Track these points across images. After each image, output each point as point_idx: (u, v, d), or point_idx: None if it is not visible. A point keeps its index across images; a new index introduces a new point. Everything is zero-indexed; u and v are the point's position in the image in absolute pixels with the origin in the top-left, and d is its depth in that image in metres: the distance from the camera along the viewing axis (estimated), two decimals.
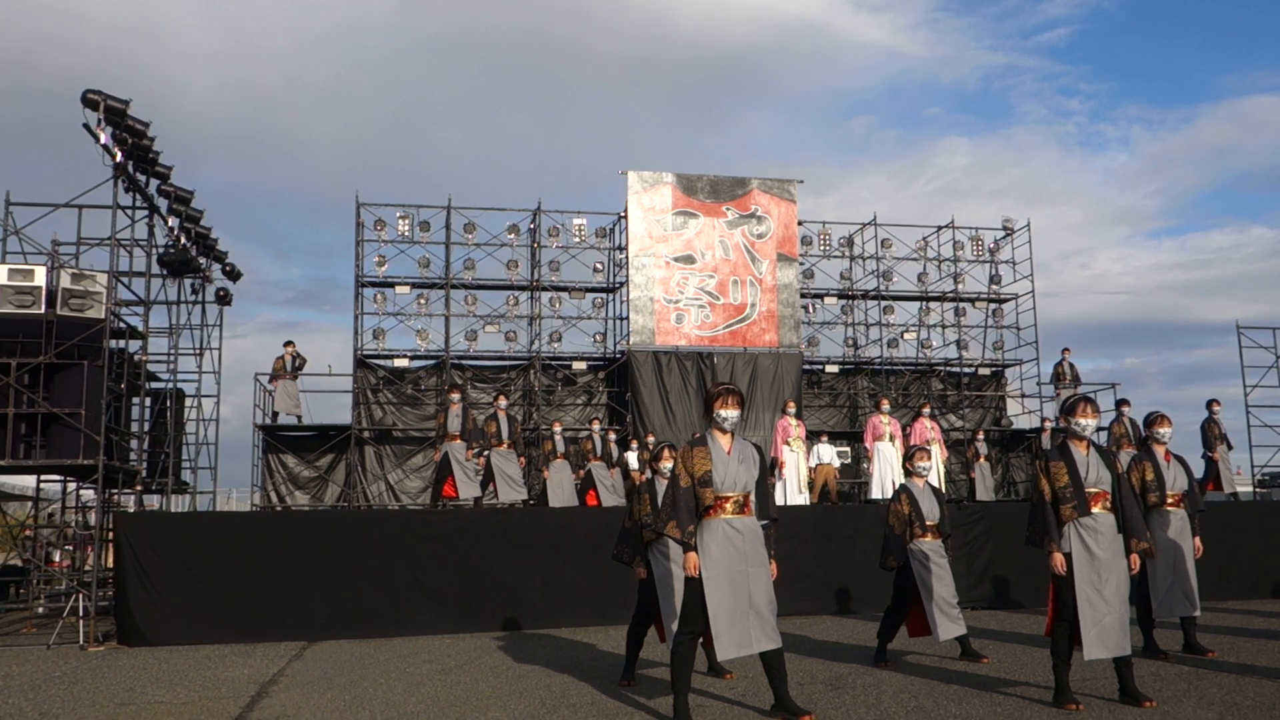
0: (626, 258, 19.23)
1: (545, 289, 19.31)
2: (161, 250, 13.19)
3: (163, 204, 12.76)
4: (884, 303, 20.79)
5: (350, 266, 18.73)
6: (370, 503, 18.11)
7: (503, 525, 10.82)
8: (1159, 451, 7.82)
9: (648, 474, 7.23)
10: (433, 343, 18.74)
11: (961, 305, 21.06)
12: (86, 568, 13.07)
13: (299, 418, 17.50)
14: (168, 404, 13.61)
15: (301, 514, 14.18)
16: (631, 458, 15.82)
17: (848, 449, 19.20)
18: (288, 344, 17.17)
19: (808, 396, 19.92)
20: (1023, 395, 21.23)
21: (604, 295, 19.83)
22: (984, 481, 17.35)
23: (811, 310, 20.62)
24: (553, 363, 19.47)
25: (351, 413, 18.23)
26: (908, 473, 7.87)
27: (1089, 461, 5.90)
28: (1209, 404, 14.62)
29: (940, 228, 21.20)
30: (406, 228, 18.77)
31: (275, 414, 17.44)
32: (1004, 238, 21.29)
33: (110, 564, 10.96)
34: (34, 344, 10.40)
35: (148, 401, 13.20)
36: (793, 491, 13.96)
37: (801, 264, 20.10)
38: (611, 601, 10.02)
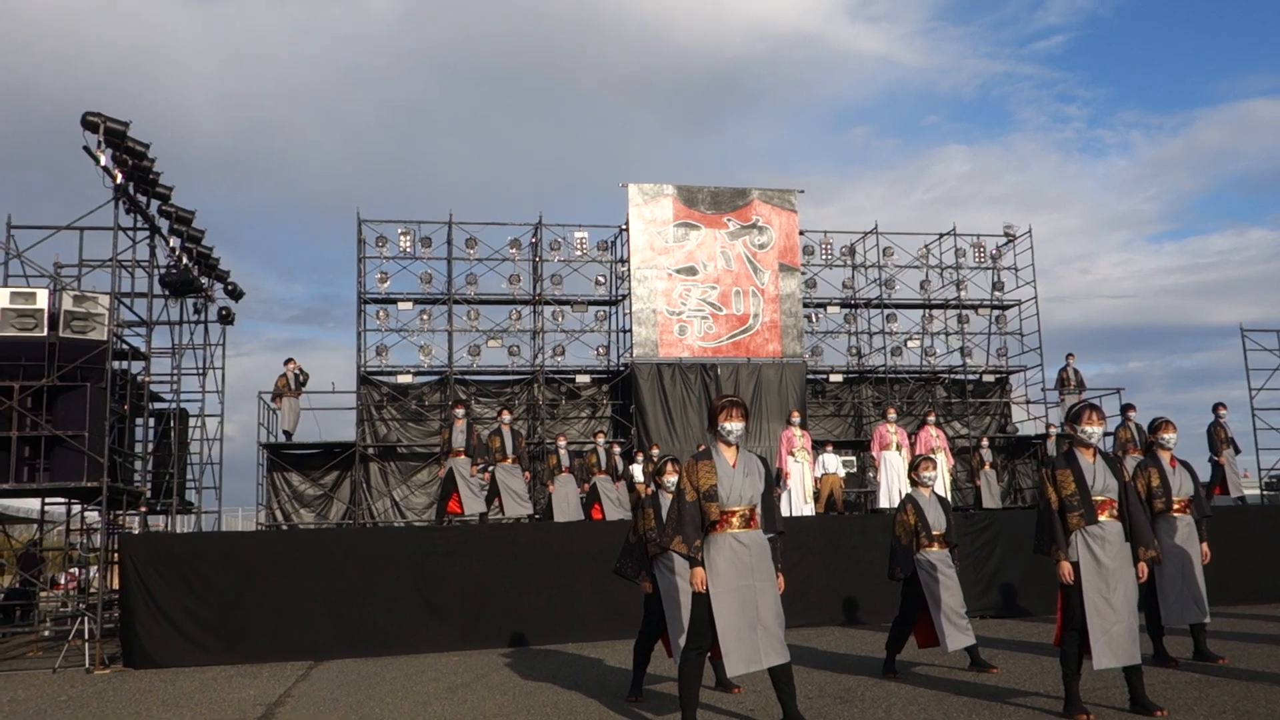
0: (628, 270, 19.25)
1: (547, 303, 19.32)
2: (163, 271, 13.21)
3: (164, 224, 12.78)
4: (887, 311, 20.77)
5: (353, 283, 18.80)
6: (375, 520, 18.09)
7: (508, 540, 10.80)
8: (1164, 457, 7.79)
9: (651, 488, 7.20)
10: (436, 358, 18.76)
11: (964, 312, 21.07)
12: (92, 590, 13.04)
13: (289, 435, 17.44)
14: (171, 424, 13.64)
15: (307, 532, 14.15)
16: (637, 470, 15.79)
17: (853, 458, 19.18)
18: (288, 361, 17.17)
19: (812, 406, 19.90)
20: (1027, 401, 21.21)
21: (606, 308, 19.83)
22: (990, 489, 17.26)
23: (814, 320, 20.62)
24: (556, 376, 19.47)
25: (356, 430, 18.24)
26: (913, 482, 7.84)
27: (1096, 469, 5.87)
28: (1215, 408, 14.61)
29: (942, 235, 21.21)
30: (408, 243, 18.83)
31: (286, 433, 17.42)
32: (1005, 244, 21.29)
33: (115, 586, 10.94)
34: (36, 367, 10.41)
35: (151, 422, 13.21)
36: (798, 502, 13.93)
37: (803, 273, 20.10)
38: (619, 616, 9.98)
